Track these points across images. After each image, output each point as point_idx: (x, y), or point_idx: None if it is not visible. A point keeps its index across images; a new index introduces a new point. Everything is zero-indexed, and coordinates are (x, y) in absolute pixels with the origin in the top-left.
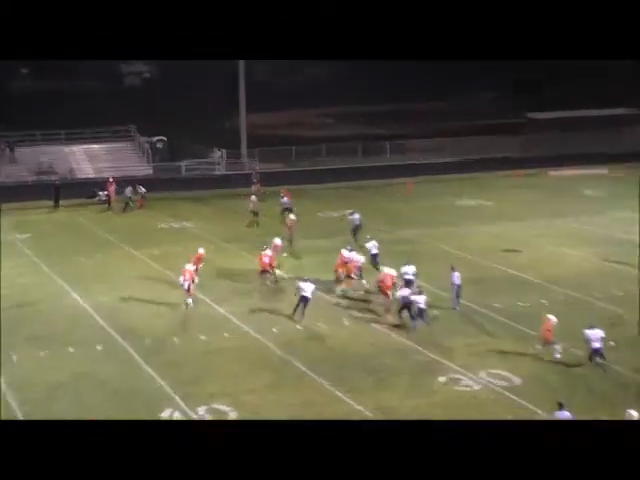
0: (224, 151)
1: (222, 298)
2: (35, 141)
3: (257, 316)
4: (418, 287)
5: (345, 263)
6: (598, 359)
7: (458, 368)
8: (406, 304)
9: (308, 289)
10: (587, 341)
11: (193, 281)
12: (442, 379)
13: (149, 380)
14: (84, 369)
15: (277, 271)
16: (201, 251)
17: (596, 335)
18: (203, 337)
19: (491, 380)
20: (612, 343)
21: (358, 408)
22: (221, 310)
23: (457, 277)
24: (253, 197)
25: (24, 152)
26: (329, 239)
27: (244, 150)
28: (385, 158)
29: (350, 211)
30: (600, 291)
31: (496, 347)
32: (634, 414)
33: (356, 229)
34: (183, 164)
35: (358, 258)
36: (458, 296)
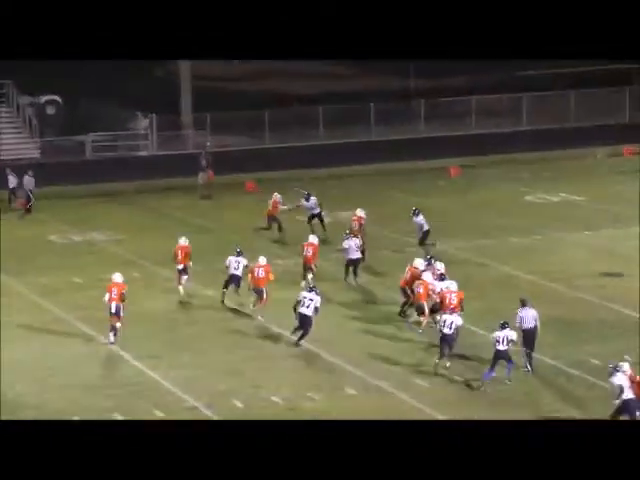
0: (154, 117)
1: (154, 354)
2: None
3: (207, 383)
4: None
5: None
6: None
7: None
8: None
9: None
10: None
11: (122, 299)
12: None
13: None
14: None
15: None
16: (182, 242)
17: None
18: (120, 417)
19: None
20: None
21: None
22: (152, 374)
23: (531, 318)
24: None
25: None
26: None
27: (187, 116)
28: (414, 127)
29: (414, 209)
30: None
31: None
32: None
33: (425, 235)
34: (88, 139)
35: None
36: (531, 349)
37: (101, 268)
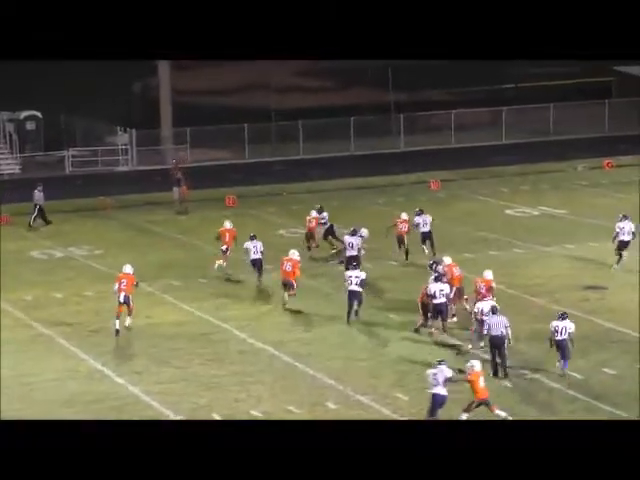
0: (133, 132)
1: (135, 369)
2: None
3: (187, 397)
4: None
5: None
6: None
7: None
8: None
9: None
10: None
11: (132, 290)
12: None
13: None
14: None
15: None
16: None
17: None
18: None
19: None
20: None
21: None
22: (133, 389)
23: (500, 325)
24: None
25: None
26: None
27: (166, 131)
28: (394, 141)
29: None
30: None
31: None
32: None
33: (427, 237)
34: (68, 155)
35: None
36: (501, 356)
37: (81, 283)
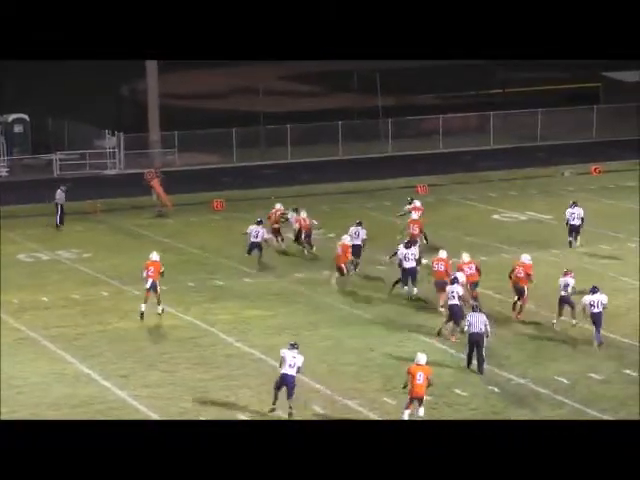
0: (121, 135)
1: (121, 373)
2: None
3: (174, 401)
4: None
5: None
6: None
7: None
8: None
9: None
10: None
11: (159, 276)
12: None
13: None
14: None
15: None
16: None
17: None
18: None
19: None
20: None
21: None
22: (119, 392)
23: (479, 323)
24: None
25: None
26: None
27: (154, 134)
28: (381, 146)
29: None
30: None
31: None
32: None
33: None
34: (56, 158)
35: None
36: (479, 353)
37: (68, 287)
